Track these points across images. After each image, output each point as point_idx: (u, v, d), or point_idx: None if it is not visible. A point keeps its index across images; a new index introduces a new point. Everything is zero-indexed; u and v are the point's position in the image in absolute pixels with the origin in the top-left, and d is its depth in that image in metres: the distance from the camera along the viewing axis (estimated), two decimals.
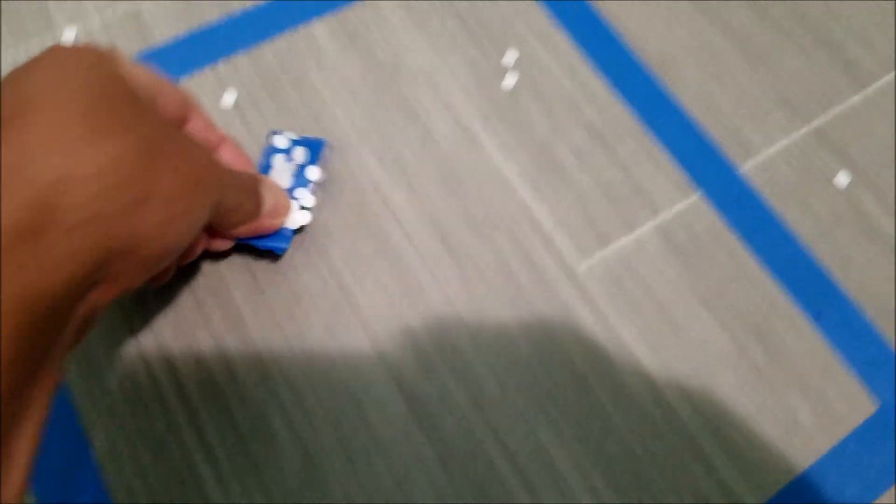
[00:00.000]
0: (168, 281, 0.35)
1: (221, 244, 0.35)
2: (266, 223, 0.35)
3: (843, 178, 0.43)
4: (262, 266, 0.39)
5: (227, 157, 0.36)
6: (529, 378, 0.37)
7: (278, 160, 0.40)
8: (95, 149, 0.23)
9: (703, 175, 0.43)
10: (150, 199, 0.24)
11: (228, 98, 0.43)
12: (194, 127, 0.33)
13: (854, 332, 0.40)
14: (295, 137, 0.40)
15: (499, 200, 0.42)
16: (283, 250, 0.38)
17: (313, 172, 0.40)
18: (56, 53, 0.25)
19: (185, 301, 0.38)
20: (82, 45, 0.26)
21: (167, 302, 0.38)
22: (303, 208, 0.38)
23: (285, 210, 0.36)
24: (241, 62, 0.45)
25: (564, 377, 0.38)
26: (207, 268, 0.39)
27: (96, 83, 0.24)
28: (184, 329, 0.37)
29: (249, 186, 0.33)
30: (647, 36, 0.47)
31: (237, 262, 0.39)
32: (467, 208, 0.41)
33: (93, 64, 0.25)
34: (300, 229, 0.39)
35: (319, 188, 0.40)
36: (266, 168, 0.39)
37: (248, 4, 0.47)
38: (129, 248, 0.24)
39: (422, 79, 0.45)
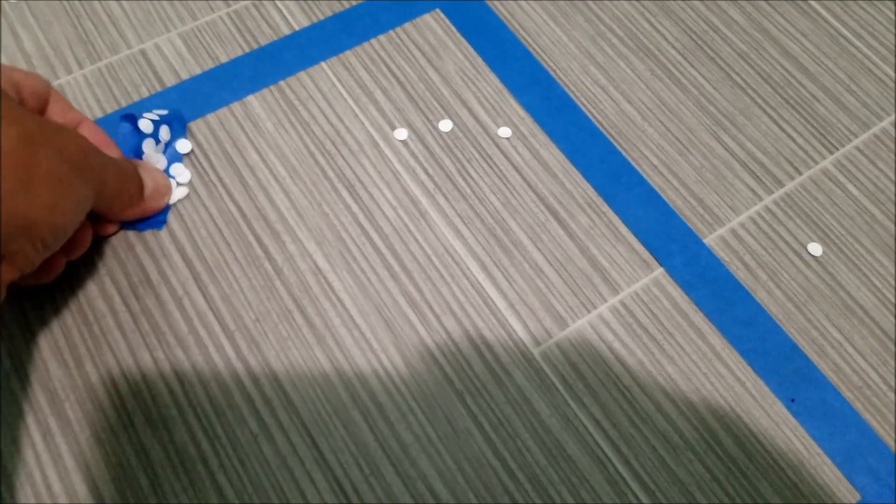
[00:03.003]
0: (58, 275, 0.35)
1: (108, 228, 0.38)
2: (149, 205, 0.38)
3: (815, 248, 0.40)
4: None
5: (86, 135, 0.36)
6: (484, 474, 0.34)
7: (148, 145, 0.40)
8: None
9: (666, 248, 0.40)
10: (37, 181, 0.27)
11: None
12: (53, 110, 0.35)
13: (831, 417, 0.37)
14: (153, 118, 0.40)
15: (448, 282, 0.39)
16: (163, 224, 0.39)
17: (183, 146, 0.41)
18: None
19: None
20: None
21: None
22: (179, 185, 0.40)
23: (167, 190, 0.39)
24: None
25: (522, 468, 0.35)
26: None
27: None
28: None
29: (130, 171, 0.36)
30: (605, 102, 0.45)
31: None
32: (413, 291, 0.39)
33: None
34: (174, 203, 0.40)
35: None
36: (138, 155, 0.40)
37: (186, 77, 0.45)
38: (24, 226, 0.27)
39: (365, 151, 0.43)
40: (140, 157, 0.40)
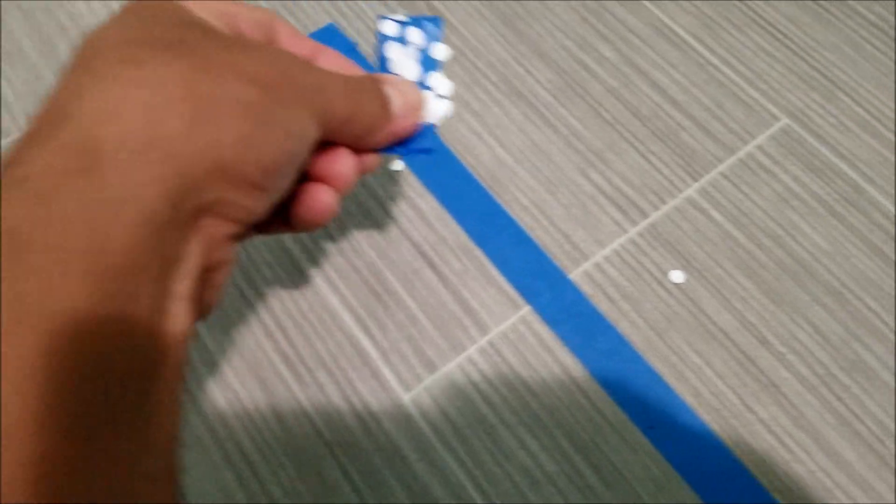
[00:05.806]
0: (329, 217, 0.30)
1: (367, 159, 0.31)
2: (401, 124, 0.30)
3: (676, 275, 0.42)
4: None
5: (326, 65, 0.30)
6: None
7: (393, 49, 0.33)
8: (129, 79, 0.22)
9: (533, 286, 0.42)
10: (219, 113, 0.23)
11: None
12: (282, 40, 0.30)
13: (690, 442, 0.38)
14: (404, 19, 0.34)
15: (323, 336, 0.41)
16: (432, 150, 0.32)
17: (440, 51, 0.34)
18: (127, 9, 0.25)
19: None
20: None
21: None
22: (440, 97, 0.32)
23: (418, 104, 0.31)
24: None
25: None
26: None
27: (137, 24, 0.24)
28: None
29: (365, 87, 0.29)
30: (479, 148, 0.47)
31: None
32: (287, 348, 0.40)
33: (144, 9, 0.25)
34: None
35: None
36: (383, 63, 0.33)
37: None
38: (215, 168, 0.22)
39: None
40: (386, 68, 0.33)
